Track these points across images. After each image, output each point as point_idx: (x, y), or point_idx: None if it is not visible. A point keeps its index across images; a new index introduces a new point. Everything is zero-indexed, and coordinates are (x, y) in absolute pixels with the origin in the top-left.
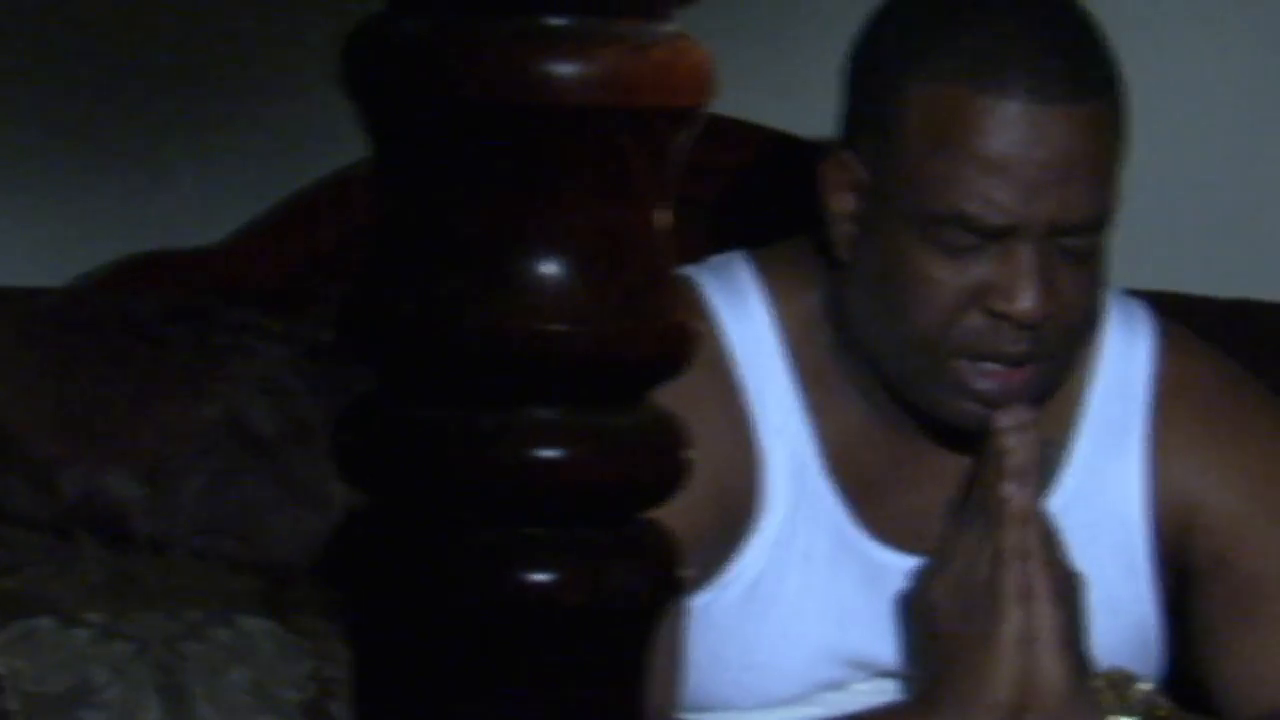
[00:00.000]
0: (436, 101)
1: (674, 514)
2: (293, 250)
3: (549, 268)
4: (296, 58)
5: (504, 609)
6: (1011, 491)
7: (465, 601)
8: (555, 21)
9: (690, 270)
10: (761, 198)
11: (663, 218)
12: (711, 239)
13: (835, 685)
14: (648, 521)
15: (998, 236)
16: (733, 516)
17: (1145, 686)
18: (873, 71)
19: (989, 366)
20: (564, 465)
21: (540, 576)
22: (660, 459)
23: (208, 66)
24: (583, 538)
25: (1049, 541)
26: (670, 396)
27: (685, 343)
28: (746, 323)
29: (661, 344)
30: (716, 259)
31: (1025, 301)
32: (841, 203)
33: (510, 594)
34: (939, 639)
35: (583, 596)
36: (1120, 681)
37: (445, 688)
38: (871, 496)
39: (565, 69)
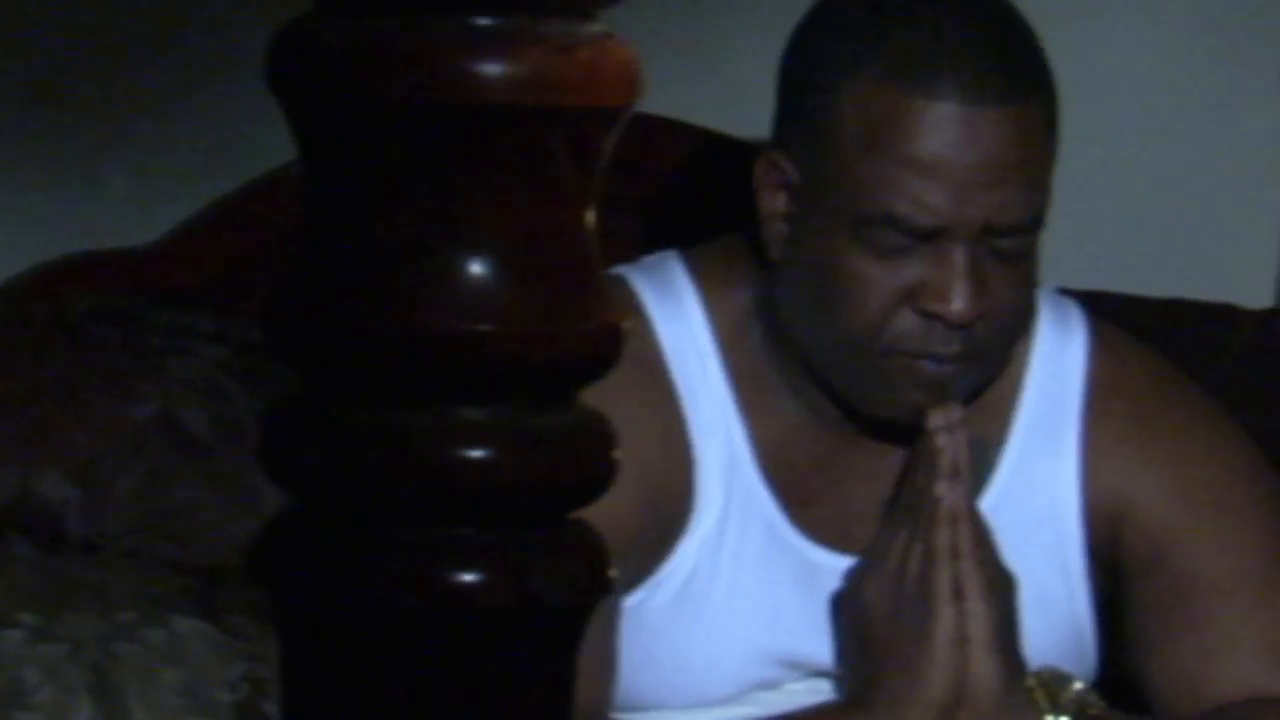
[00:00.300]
0: (362, 102)
1: (605, 514)
2: (224, 251)
3: (475, 268)
4: (226, 60)
5: (430, 609)
6: (943, 491)
7: (391, 602)
8: (480, 21)
9: (623, 270)
10: (694, 197)
11: (590, 217)
12: (644, 238)
13: (769, 685)
14: (575, 522)
15: (929, 237)
16: (665, 516)
17: (1078, 686)
18: (805, 72)
19: (921, 363)
20: (491, 465)
21: (466, 577)
22: (588, 459)
23: (138, 69)
24: (509, 538)
25: (981, 540)
26: (602, 396)
27: (613, 343)
28: (679, 322)
29: (589, 344)
30: (649, 259)
31: (957, 303)
32: (774, 202)
33: (436, 594)
34: (872, 638)
35: (509, 597)
36: (1053, 681)
37: (372, 688)
38: (804, 496)
39: (490, 69)
